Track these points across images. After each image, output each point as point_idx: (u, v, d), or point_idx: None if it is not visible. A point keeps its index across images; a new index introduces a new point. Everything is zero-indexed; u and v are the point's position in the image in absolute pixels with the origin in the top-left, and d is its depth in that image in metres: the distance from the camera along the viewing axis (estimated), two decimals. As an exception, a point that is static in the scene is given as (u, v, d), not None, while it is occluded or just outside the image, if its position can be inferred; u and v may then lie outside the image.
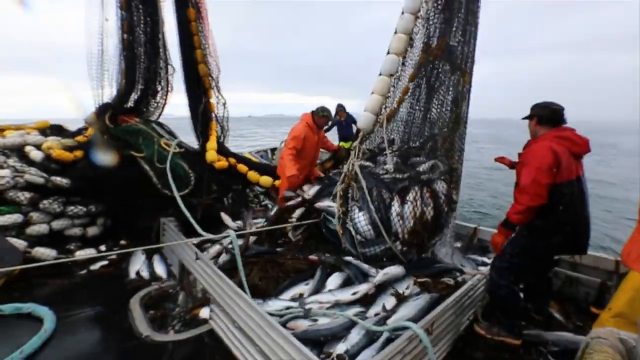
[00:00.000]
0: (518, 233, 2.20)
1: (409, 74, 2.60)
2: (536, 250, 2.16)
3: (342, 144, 7.40)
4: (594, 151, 2.24)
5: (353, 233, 2.58)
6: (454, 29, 2.62)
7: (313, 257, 2.65)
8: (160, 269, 2.90)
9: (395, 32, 2.41)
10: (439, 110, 2.82)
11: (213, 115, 4.64)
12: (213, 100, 4.62)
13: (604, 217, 8.15)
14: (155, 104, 4.73)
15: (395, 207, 2.55)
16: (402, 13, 2.39)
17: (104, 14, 4.06)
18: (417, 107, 2.87)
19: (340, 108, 7.43)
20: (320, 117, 3.79)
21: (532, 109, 2.25)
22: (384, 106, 2.38)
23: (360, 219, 2.57)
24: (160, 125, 4.48)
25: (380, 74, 2.40)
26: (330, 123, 7.19)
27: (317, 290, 2.28)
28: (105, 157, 3.48)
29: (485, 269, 2.58)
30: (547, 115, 2.16)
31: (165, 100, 4.80)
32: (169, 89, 4.77)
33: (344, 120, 7.36)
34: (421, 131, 3.01)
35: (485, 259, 2.91)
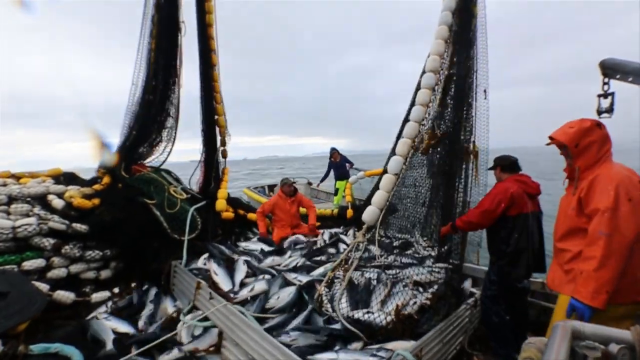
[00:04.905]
0: (493, 262, 2.70)
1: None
2: (508, 271, 2.59)
3: (338, 183, 7.97)
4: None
5: (325, 302, 2.55)
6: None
7: None
8: (170, 308, 3.13)
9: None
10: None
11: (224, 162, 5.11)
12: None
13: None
14: (158, 153, 5.01)
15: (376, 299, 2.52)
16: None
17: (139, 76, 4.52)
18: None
19: (334, 151, 8.16)
20: (286, 186, 4.52)
21: (495, 160, 2.88)
22: (387, 202, 2.67)
23: (342, 298, 2.49)
24: (169, 172, 4.88)
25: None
26: (330, 161, 7.94)
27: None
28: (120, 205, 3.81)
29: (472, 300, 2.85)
30: (508, 165, 2.79)
31: (171, 149, 5.15)
32: (173, 139, 5.01)
33: (338, 162, 8.00)
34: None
35: (472, 290, 3.12)
